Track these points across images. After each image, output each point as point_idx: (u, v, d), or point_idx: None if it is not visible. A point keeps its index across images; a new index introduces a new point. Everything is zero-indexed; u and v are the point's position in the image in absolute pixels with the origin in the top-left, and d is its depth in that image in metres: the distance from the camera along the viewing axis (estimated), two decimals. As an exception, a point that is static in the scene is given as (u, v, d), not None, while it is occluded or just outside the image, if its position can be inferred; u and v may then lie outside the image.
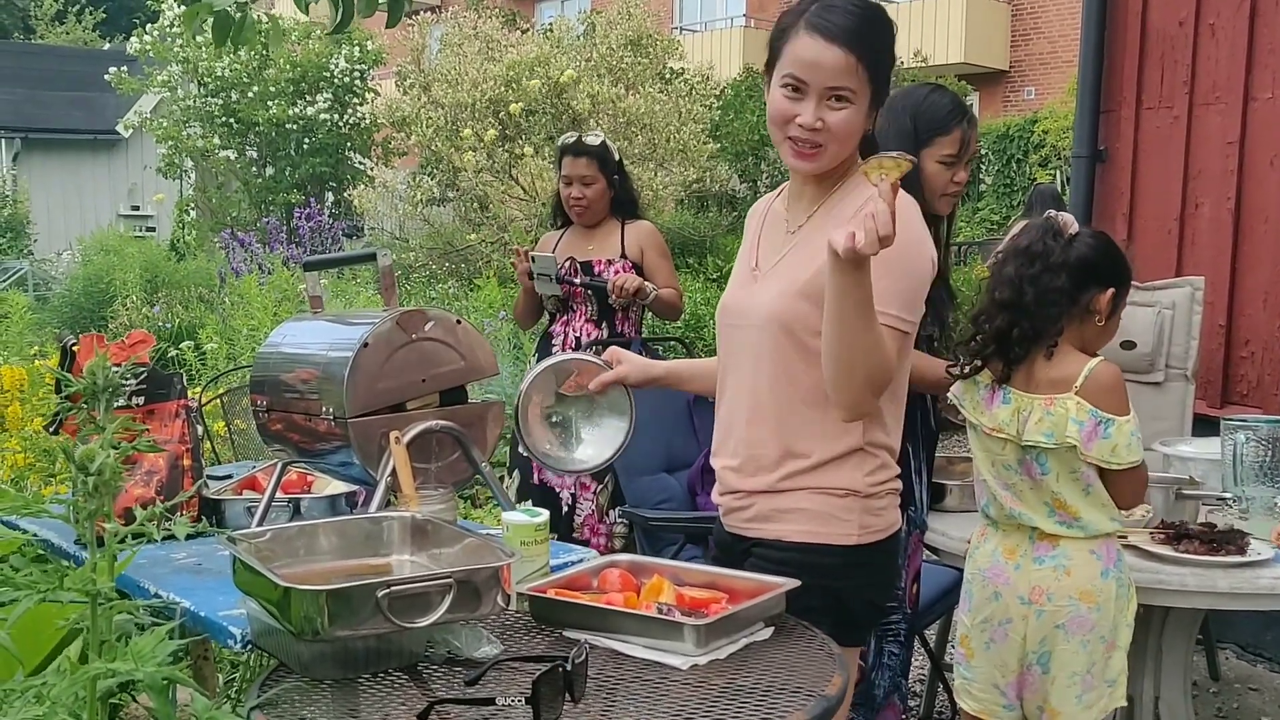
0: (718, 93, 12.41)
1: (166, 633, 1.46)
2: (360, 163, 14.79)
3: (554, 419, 2.15)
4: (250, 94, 14.46)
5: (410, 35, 11.28)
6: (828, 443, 1.84)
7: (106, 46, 27.28)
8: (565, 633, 1.64)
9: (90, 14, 30.87)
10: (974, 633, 2.33)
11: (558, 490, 3.63)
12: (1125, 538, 2.43)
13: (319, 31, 14.60)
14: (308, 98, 14.73)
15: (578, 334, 3.75)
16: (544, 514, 1.83)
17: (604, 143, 3.75)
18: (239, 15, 2.91)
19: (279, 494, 2.25)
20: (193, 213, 16.01)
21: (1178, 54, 4.34)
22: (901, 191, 1.67)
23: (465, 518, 3.26)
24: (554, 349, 3.71)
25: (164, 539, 1.54)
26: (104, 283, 10.44)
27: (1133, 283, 2.30)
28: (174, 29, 13.87)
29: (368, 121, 14.69)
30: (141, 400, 2.23)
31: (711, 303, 7.72)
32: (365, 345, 2.00)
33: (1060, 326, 2.19)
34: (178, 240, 15.15)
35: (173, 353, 6.28)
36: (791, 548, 1.85)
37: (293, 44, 14.88)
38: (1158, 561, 2.42)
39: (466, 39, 10.89)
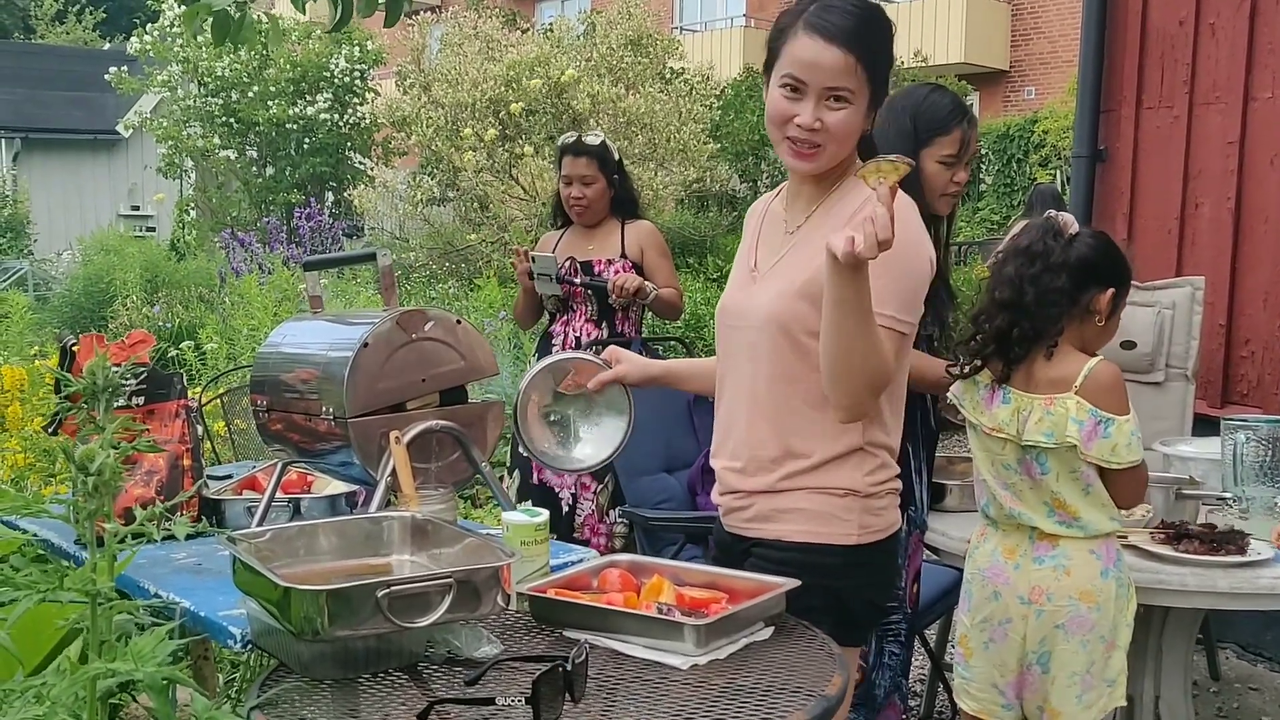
0: (718, 93, 12.41)
1: (166, 633, 1.46)
2: (360, 162, 14.80)
3: (552, 418, 2.15)
4: (250, 94, 14.47)
5: (410, 35, 11.28)
6: (827, 442, 1.84)
7: (106, 46, 27.30)
8: (565, 633, 1.64)
9: (90, 14, 30.87)
10: (973, 632, 2.33)
11: (558, 490, 3.63)
12: (1125, 537, 2.43)
13: (319, 31, 14.60)
14: (308, 97, 14.73)
15: (578, 334, 3.74)
16: (544, 514, 1.83)
17: (604, 142, 3.75)
18: (238, 15, 2.91)
19: (279, 494, 2.25)
20: (193, 212, 16.01)
21: (1178, 53, 4.33)
22: (900, 192, 1.67)
23: (465, 518, 3.26)
24: (554, 349, 3.71)
25: (164, 539, 1.54)
26: (104, 283, 10.45)
27: (1133, 282, 2.30)
28: (174, 29, 13.87)
29: (368, 121, 14.70)
30: (141, 400, 2.23)
31: (711, 302, 7.72)
32: (365, 345, 2.00)
33: (1060, 326, 2.19)
34: (178, 240, 15.16)
35: (173, 353, 6.28)
36: (791, 547, 1.85)
37: (293, 44, 14.89)
38: (1158, 561, 2.42)
39: (467, 39, 10.89)
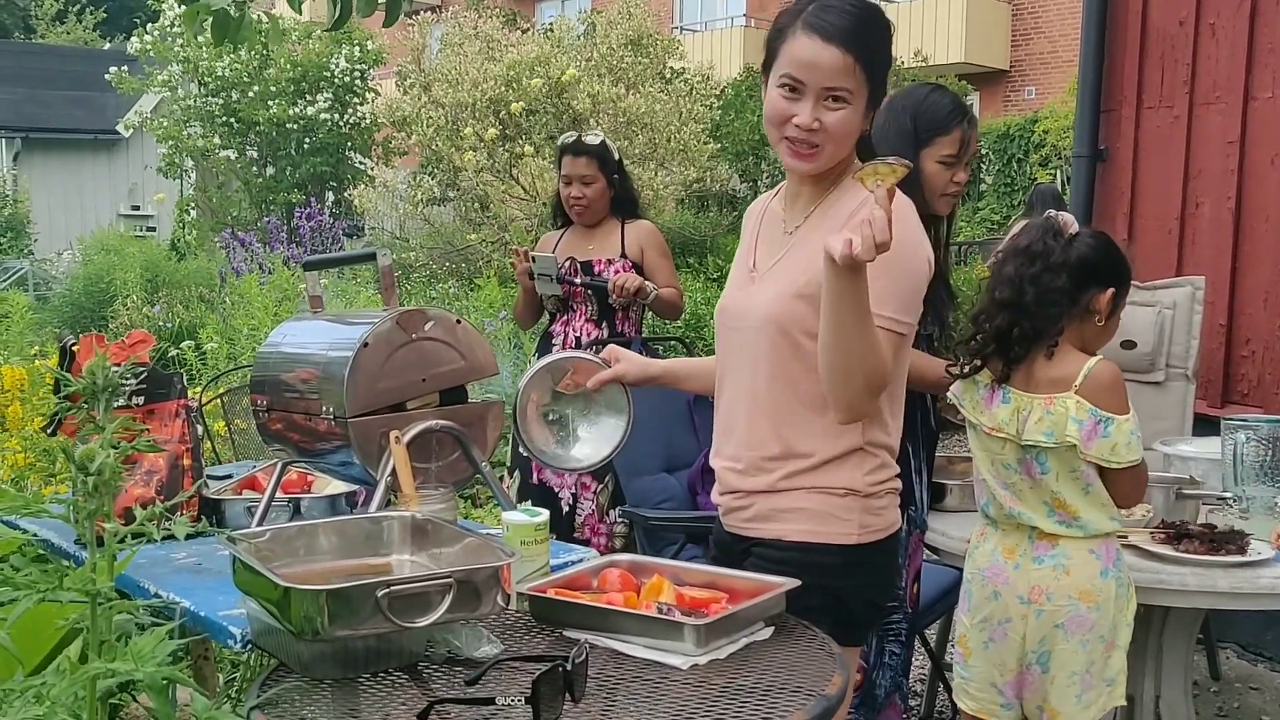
0: (718, 92, 12.41)
1: (166, 633, 1.46)
2: (361, 162, 14.80)
3: (551, 417, 2.15)
4: (251, 94, 14.47)
5: (410, 35, 11.28)
6: (827, 442, 1.84)
7: (107, 46, 27.31)
8: (565, 632, 1.64)
9: (91, 14, 30.87)
10: (973, 632, 2.33)
11: (558, 490, 3.63)
12: (1125, 537, 2.43)
13: (319, 31, 14.60)
14: (308, 97, 14.74)
15: (578, 334, 3.74)
16: (544, 514, 1.83)
17: (604, 142, 3.75)
18: (238, 15, 2.91)
19: (279, 494, 2.25)
20: (193, 212, 16.02)
21: (1178, 53, 4.33)
22: (898, 193, 1.67)
23: (465, 517, 3.26)
24: (554, 349, 3.71)
25: (164, 539, 1.54)
26: (104, 282, 10.45)
27: (1133, 282, 2.30)
28: (174, 29, 13.87)
29: (368, 121, 14.70)
30: (141, 400, 2.22)
31: (712, 302, 7.71)
32: (365, 345, 2.00)
33: (1060, 326, 2.19)
34: (178, 240, 15.17)
35: (173, 352, 6.28)
36: (791, 547, 1.85)
37: (293, 44, 14.89)
38: (1158, 561, 2.42)
39: (467, 39, 10.89)
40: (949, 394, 2.37)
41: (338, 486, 2.37)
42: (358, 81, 15.19)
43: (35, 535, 2.23)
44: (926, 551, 2.72)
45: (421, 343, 2.08)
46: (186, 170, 15.56)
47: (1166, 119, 4.38)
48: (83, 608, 1.45)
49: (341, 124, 15.01)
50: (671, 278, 3.79)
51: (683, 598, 1.68)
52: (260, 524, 2.12)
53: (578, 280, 3.69)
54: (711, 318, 2.04)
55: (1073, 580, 2.20)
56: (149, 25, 14.61)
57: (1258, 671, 3.89)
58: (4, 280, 14.30)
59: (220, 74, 14.40)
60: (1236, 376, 4.18)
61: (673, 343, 4.75)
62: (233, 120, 14.59)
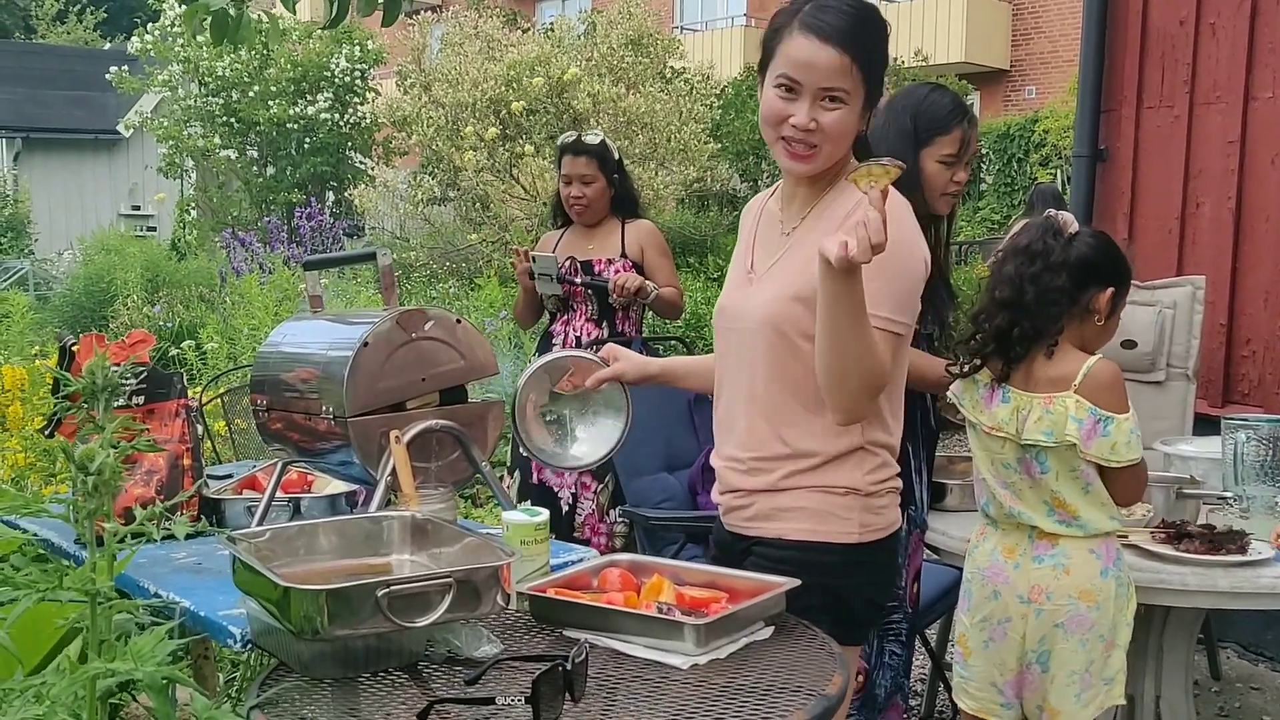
0: (718, 92, 12.40)
1: (166, 632, 1.46)
2: (361, 162, 14.80)
3: (549, 418, 2.15)
4: (251, 93, 14.48)
5: (411, 35, 11.28)
6: (828, 442, 1.84)
7: (107, 46, 27.32)
8: (565, 632, 1.64)
9: (91, 14, 30.88)
10: (972, 632, 2.33)
11: (557, 490, 3.63)
12: (1126, 537, 2.43)
13: (319, 31, 14.60)
14: (308, 97, 14.74)
15: (578, 333, 3.74)
16: (544, 513, 1.83)
17: (603, 142, 3.75)
18: (236, 14, 2.91)
19: (279, 493, 2.25)
20: (194, 212, 16.02)
21: (1178, 53, 4.33)
22: (894, 192, 1.67)
23: (465, 517, 3.26)
24: (554, 348, 3.71)
25: (164, 539, 1.54)
26: (105, 282, 10.46)
27: (1134, 282, 2.30)
28: (175, 28, 13.89)
29: (368, 121, 14.70)
30: (141, 400, 2.22)
31: (712, 302, 7.71)
32: (365, 344, 2.00)
33: (1060, 325, 2.19)
34: (178, 240, 15.17)
35: (173, 352, 6.28)
36: (792, 546, 1.85)
37: (293, 44, 14.90)
38: (1159, 561, 2.42)
39: (467, 38, 10.89)
40: (949, 393, 2.37)
41: (338, 486, 2.37)
42: (358, 81, 15.19)
43: (35, 535, 2.23)
44: (926, 551, 2.72)
45: (421, 342, 2.08)
46: (187, 170, 15.57)
47: (1167, 119, 4.38)
48: (82, 607, 1.45)
49: (342, 124, 15.01)
50: (672, 277, 3.78)
51: (683, 597, 1.67)
52: (260, 524, 2.12)
53: (578, 280, 3.69)
54: (711, 317, 2.04)
55: (1073, 580, 2.20)
56: (149, 25, 14.63)
57: (1258, 671, 3.89)
58: (4, 280, 14.31)
59: (220, 74, 14.41)
60: (1237, 376, 4.18)
61: (673, 342, 4.75)
62: (233, 120, 14.60)
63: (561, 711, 1.36)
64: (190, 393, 2.74)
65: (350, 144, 15.26)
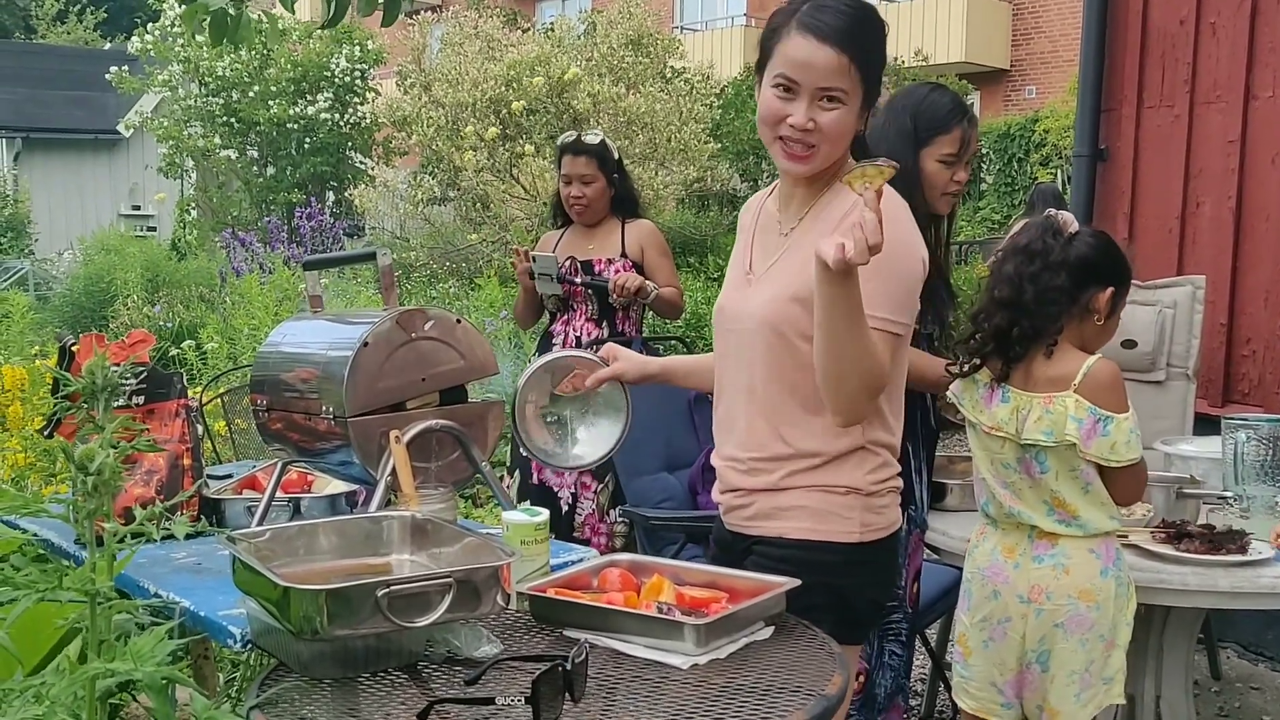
0: (718, 92, 12.40)
1: (166, 632, 1.46)
2: (361, 162, 14.80)
3: (549, 419, 2.15)
4: (251, 93, 14.48)
5: (411, 35, 11.28)
6: (829, 442, 1.83)
7: (107, 46, 27.31)
8: (565, 632, 1.64)
9: (91, 14, 30.88)
10: (972, 631, 2.33)
11: (557, 490, 3.63)
12: (1126, 537, 2.43)
13: (319, 31, 14.60)
14: (308, 97, 14.74)
15: (578, 333, 3.74)
16: (544, 513, 1.83)
17: (603, 141, 3.74)
18: (235, 14, 2.91)
19: (279, 493, 2.25)
20: (194, 212, 16.03)
21: (1179, 52, 4.33)
22: (891, 192, 1.67)
23: (465, 517, 3.26)
24: (554, 348, 3.71)
25: (164, 538, 1.54)
26: (105, 282, 10.46)
27: (1134, 281, 2.29)
28: (175, 28, 13.89)
29: (368, 121, 14.70)
30: (141, 400, 2.22)
31: (712, 301, 7.71)
32: (365, 344, 2.00)
33: (1060, 325, 2.19)
34: (179, 240, 15.17)
35: (174, 352, 6.28)
36: (793, 545, 1.85)
37: (293, 44, 14.90)
38: (1159, 561, 2.42)
39: (467, 38, 10.89)
40: (949, 393, 2.37)
41: (338, 486, 2.37)
42: (358, 81, 15.19)
43: (35, 535, 2.23)
44: (926, 551, 2.72)
45: (421, 342, 2.08)
46: (187, 170, 15.57)
47: (1167, 118, 4.38)
48: (82, 607, 1.45)
49: (342, 124, 15.01)
50: (672, 277, 3.78)
51: (683, 597, 1.67)
52: (260, 524, 2.12)
53: (578, 280, 3.69)
54: (711, 317, 2.04)
55: (1072, 579, 2.20)
56: (149, 25, 14.63)
57: (1258, 671, 3.88)
58: (4, 280, 14.31)
59: (221, 74, 14.41)
60: (1237, 376, 4.18)
61: (673, 342, 4.75)
62: (233, 120, 14.60)
63: (561, 711, 1.36)
64: (190, 393, 2.74)
65: (350, 144, 15.26)
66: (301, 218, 10.51)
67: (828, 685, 1.46)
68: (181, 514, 2.06)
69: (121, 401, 2.12)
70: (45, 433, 2.27)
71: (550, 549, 1.84)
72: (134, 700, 2.35)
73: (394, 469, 1.95)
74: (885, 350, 1.75)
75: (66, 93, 21.08)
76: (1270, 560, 2.41)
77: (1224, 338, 4.16)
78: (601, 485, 3.58)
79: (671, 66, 11.71)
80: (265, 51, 13.98)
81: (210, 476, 2.46)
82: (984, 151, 14.74)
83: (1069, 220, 2.25)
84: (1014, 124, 15.32)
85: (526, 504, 1.93)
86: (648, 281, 3.64)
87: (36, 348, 6.55)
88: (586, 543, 3.45)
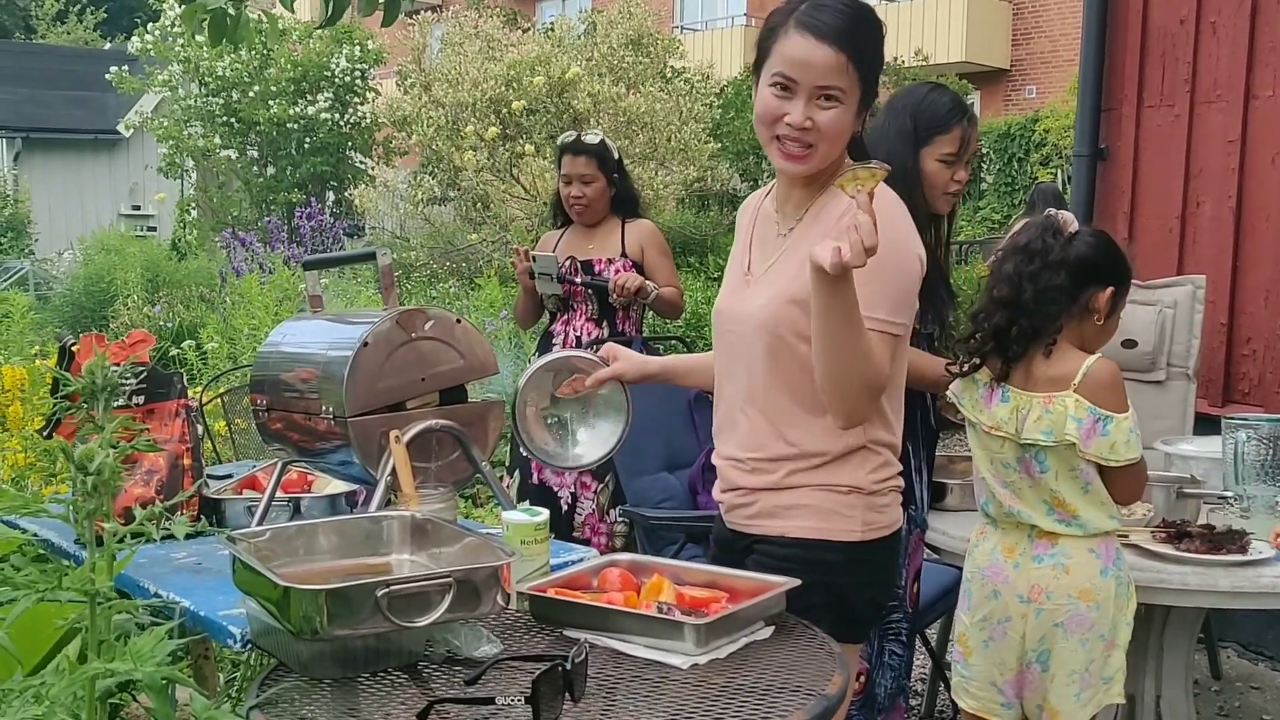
0: (718, 91, 12.41)
1: (166, 632, 1.46)
2: (361, 162, 14.81)
3: (550, 420, 2.14)
4: (251, 93, 14.48)
5: (411, 35, 11.29)
6: (830, 441, 1.83)
7: (107, 46, 27.31)
8: (565, 632, 1.64)
9: (91, 14, 30.88)
10: (972, 631, 2.33)
11: (557, 490, 3.63)
12: (1126, 536, 2.43)
13: (319, 31, 14.60)
14: (309, 97, 14.74)
15: (578, 333, 3.74)
16: (544, 513, 1.82)
17: (603, 141, 3.75)
18: (235, 14, 2.91)
19: (279, 493, 2.25)
20: (194, 212, 16.03)
21: (1179, 52, 4.33)
22: (886, 190, 1.67)
23: (465, 517, 3.26)
24: (554, 348, 3.71)
25: (163, 538, 1.54)
26: (105, 282, 10.47)
27: (1134, 281, 2.29)
28: (175, 28, 13.88)
29: (368, 121, 14.70)
30: (141, 400, 2.22)
31: (712, 301, 7.71)
32: (365, 344, 2.00)
33: (1059, 324, 2.19)
34: (179, 240, 15.18)
35: (174, 352, 6.28)
36: (794, 544, 1.85)
37: (293, 44, 14.90)
38: (1159, 560, 2.42)
39: (467, 38, 10.90)
40: (948, 393, 2.37)
41: (338, 486, 2.37)
42: (358, 81, 15.19)
43: (35, 535, 2.23)
44: (926, 551, 2.72)
45: (421, 342, 2.08)
46: (187, 170, 15.57)
47: (1167, 118, 4.38)
48: (82, 607, 1.45)
49: (342, 124, 15.01)
50: (672, 277, 3.78)
51: (683, 597, 1.67)
52: (260, 524, 2.12)
53: (578, 279, 3.69)
54: (711, 317, 2.04)
55: (1072, 579, 2.20)
56: (149, 25, 14.63)
57: (1259, 671, 3.88)
58: (4, 280, 14.31)
59: (221, 74, 14.40)
60: (1237, 375, 4.18)
61: (673, 342, 4.75)
62: (233, 120, 14.60)
63: (561, 711, 1.36)
64: (190, 393, 2.74)
65: (350, 144, 15.26)
66: (301, 218, 10.51)
67: (828, 685, 1.46)
68: (181, 514, 2.07)
69: (121, 401, 2.12)
70: (45, 433, 2.27)
71: (550, 549, 1.84)
72: (134, 700, 2.35)
73: (394, 469, 1.95)
74: (884, 351, 1.75)
75: (66, 93, 21.08)
76: (1270, 560, 2.41)
77: (1224, 337, 4.16)
78: (601, 485, 3.58)
79: (671, 66, 11.71)
80: (265, 51, 13.98)
81: (210, 476, 2.46)
82: (984, 151, 14.74)
83: (1069, 220, 2.25)
84: (1014, 124, 15.31)
85: (526, 504, 1.93)
86: (648, 281, 3.64)
87: (36, 348, 6.55)
88: (586, 543, 3.45)
